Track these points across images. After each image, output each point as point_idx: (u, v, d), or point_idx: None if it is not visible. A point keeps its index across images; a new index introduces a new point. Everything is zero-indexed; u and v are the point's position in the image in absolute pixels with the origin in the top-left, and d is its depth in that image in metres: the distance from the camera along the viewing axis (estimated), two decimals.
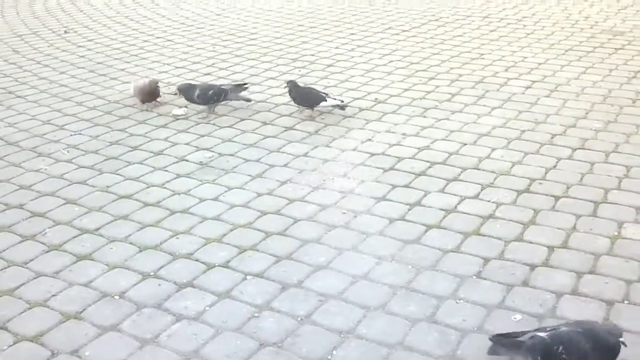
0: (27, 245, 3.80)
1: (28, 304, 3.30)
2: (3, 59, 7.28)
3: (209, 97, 5.40)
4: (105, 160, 4.80)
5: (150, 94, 5.69)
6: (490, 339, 2.83)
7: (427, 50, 7.07)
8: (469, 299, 3.21)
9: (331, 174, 4.48)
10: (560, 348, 2.64)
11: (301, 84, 5.58)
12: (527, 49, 6.97)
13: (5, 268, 3.59)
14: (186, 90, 5.50)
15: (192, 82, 5.77)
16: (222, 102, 5.51)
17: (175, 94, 5.64)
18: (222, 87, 5.56)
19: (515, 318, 3.08)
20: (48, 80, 6.54)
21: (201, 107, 5.53)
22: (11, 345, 3.04)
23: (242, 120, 5.42)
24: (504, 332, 2.85)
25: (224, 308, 3.23)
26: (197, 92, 5.40)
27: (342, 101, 5.46)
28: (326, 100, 5.32)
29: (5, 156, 4.90)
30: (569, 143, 4.77)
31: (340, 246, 3.67)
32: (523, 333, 2.77)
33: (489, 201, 4.05)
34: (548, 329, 2.76)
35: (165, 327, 3.11)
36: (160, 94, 5.79)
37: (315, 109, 5.40)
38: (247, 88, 5.73)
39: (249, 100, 5.60)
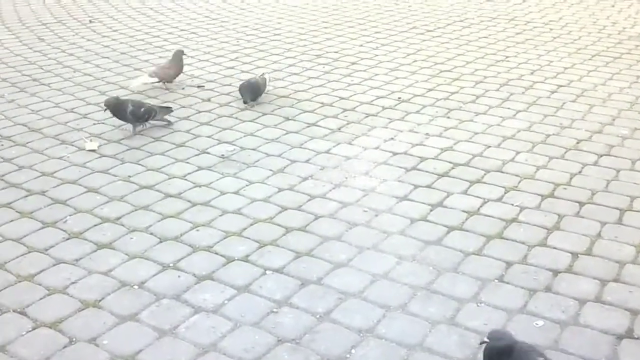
0: (47, 231, 3.80)
1: (47, 290, 3.31)
2: (28, 46, 7.32)
3: (141, 114, 4.98)
4: (127, 150, 4.81)
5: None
6: None
7: (452, 50, 7.02)
8: (491, 303, 3.17)
9: (353, 171, 4.45)
10: None
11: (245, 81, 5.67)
12: (553, 53, 6.90)
13: (26, 254, 3.60)
14: (116, 107, 5.02)
15: (120, 97, 5.22)
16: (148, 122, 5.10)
17: (201, 86, 5.63)
18: (152, 106, 5.14)
19: (537, 324, 3.04)
20: (72, 68, 6.57)
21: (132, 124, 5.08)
22: (30, 331, 3.05)
23: (264, 114, 5.40)
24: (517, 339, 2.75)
25: (243, 302, 3.21)
26: (129, 108, 4.96)
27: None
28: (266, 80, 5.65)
29: (28, 143, 4.92)
30: (595, 149, 4.71)
31: (360, 244, 3.64)
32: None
33: (512, 205, 4.01)
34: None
35: (183, 319, 3.10)
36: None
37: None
38: (172, 111, 5.31)
39: (170, 122, 5.21)
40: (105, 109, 5.07)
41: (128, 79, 6.25)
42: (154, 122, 5.17)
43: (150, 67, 6.35)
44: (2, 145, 4.89)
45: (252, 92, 5.53)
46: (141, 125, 5.08)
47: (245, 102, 5.52)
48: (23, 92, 5.95)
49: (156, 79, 5.88)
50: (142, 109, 5.02)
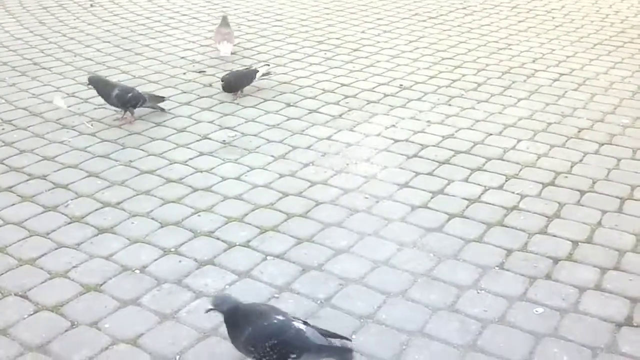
0: (49, 215, 3.81)
1: (49, 274, 3.32)
2: (29, 30, 7.30)
3: (126, 100, 4.87)
4: (129, 135, 4.80)
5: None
6: None
7: (454, 38, 7.00)
8: (491, 290, 3.19)
9: (354, 158, 4.45)
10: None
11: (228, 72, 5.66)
12: (556, 42, 6.88)
13: (27, 237, 3.61)
14: (101, 85, 4.95)
15: (109, 79, 5.26)
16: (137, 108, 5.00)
17: (202, 71, 5.62)
18: (141, 93, 5.02)
19: (537, 311, 3.05)
20: (73, 52, 6.55)
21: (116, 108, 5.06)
22: (31, 315, 3.06)
23: (266, 101, 5.39)
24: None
25: (244, 287, 3.22)
26: (115, 91, 4.85)
27: (268, 65, 5.80)
28: (258, 71, 5.55)
29: (29, 127, 4.91)
30: (596, 138, 4.71)
31: (361, 231, 3.65)
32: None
33: (513, 192, 4.01)
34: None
35: (185, 304, 3.11)
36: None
37: (252, 84, 5.52)
38: (164, 100, 5.20)
39: (162, 109, 5.13)
40: (89, 86, 5.02)
41: (129, 63, 6.24)
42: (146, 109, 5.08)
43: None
44: (3, 129, 4.88)
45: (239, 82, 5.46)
46: (131, 111, 4.96)
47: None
48: (24, 75, 5.94)
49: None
50: (129, 95, 4.89)
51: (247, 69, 5.76)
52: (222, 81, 5.43)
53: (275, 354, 2.59)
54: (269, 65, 5.88)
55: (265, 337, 2.59)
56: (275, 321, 2.62)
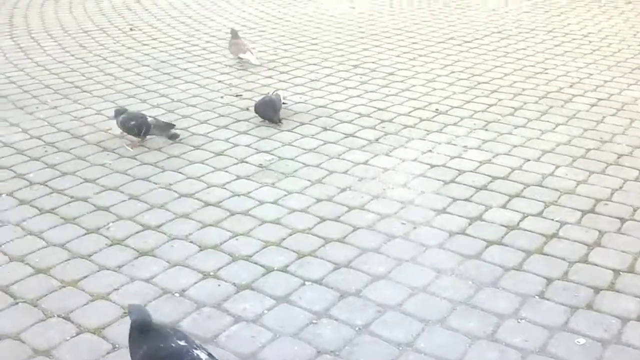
0: (91, 238, 3.87)
1: (91, 296, 3.37)
2: (70, 53, 7.47)
3: (129, 126, 4.97)
4: (168, 158, 4.88)
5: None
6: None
7: (489, 62, 6.99)
8: (531, 319, 3.15)
9: (391, 183, 4.46)
10: None
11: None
12: (593, 66, 6.83)
13: (70, 259, 3.67)
14: (116, 114, 5.11)
15: (125, 108, 5.27)
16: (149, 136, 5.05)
17: (239, 95, 5.69)
18: (148, 119, 5.02)
19: (579, 342, 3.01)
20: (113, 76, 6.68)
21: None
22: (73, 337, 3.10)
23: (302, 124, 5.44)
24: None
25: (282, 312, 3.24)
26: (120, 118, 5.00)
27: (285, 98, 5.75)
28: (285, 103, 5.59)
29: (71, 149, 5.02)
30: (636, 164, 4.65)
31: (399, 257, 3.65)
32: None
33: (552, 220, 3.98)
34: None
35: (224, 328, 3.13)
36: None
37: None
38: (173, 127, 5.17)
39: (174, 136, 5.11)
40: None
41: (168, 87, 6.34)
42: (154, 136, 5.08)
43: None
44: (46, 151, 4.99)
45: (273, 109, 5.44)
46: (143, 138, 5.01)
47: (274, 121, 5.40)
48: (66, 98, 6.07)
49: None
50: (132, 122, 4.95)
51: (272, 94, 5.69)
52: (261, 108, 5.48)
53: None
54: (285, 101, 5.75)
55: (157, 359, 2.57)
56: (172, 345, 2.58)
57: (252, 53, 6.89)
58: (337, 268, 3.56)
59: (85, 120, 5.57)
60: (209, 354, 2.64)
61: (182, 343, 2.60)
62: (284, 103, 5.62)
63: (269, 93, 5.77)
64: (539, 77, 6.48)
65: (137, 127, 4.97)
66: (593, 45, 7.58)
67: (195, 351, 2.58)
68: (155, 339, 2.61)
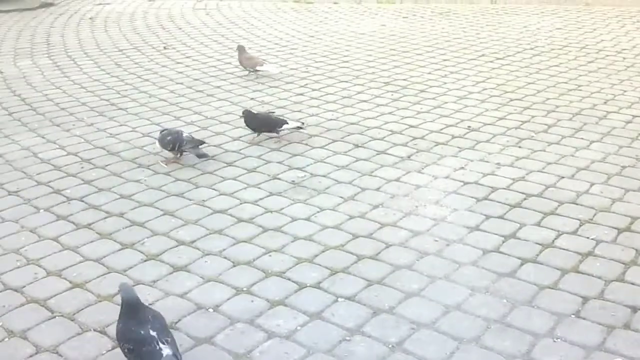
0: (126, 253, 3.93)
1: None
2: (106, 71, 7.61)
3: (165, 142, 5.05)
4: (201, 174, 4.93)
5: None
6: None
7: (522, 79, 6.96)
8: (567, 339, 3.12)
9: (423, 200, 4.45)
10: None
11: (255, 112, 5.61)
12: (627, 82, 6.76)
13: (106, 274, 3.73)
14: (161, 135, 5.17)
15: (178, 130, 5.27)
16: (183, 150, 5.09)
17: (271, 112, 5.76)
18: (183, 135, 5.08)
19: None
20: (148, 94, 6.79)
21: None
22: (109, 350, 3.15)
23: (334, 141, 5.46)
24: None
25: (316, 329, 3.24)
26: (159, 134, 5.16)
27: (303, 123, 5.65)
28: (287, 123, 5.44)
29: (107, 165, 5.10)
30: None
31: (432, 274, 3.64)
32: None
33: (588, 238, 3.93)
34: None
35: (257, 344, 3.15)
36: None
37: (279, 131, 5.44)
38: (201, 143, 5.18)
39: (203, 155, 5.11)
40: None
41: (201, 104, 6.42)
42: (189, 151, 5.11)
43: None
44: (82, 167, 5.08)
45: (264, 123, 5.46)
46: (177, 154, 5.08)
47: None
48: (101, 116, 6.18)
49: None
50: (169, 137, 5.03)
51: (275, 116, 5.60)
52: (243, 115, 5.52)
53: (130, 356, 2.85)
54: (303, 124, 5.67)
55: (126, 339, 2.87)
56: (142, 332, 2.81)
57: (268, 64, 7.33)
58: (370, 285, 3.56)
59: (121, 137, 5.66)
60: (175, 354, 2.79)
61: (152, 333, 2.80)
62: (299, 127, 5.57)
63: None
64: (572, 94, 6.43)
65: (172, 142, 5.03)
66: (627, 62, 7.51)
67: (161, 345, 2.78)
68: (131, 320, 2.88)
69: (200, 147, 5.15)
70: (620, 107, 6.03)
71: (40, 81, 7.31)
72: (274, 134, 5.48)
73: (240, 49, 7.34)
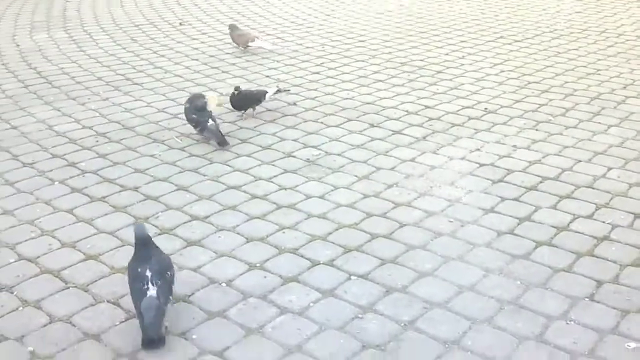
0: None
1: None
2: (122, 46, 7.60)
3: (189, 119, 5.03)
4: (216, 150, 4.92)
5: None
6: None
7: (540, 62, 6.89)
8: (581, 322, 3.10)
9: (438, 181, 4.43)
10: None
11: (237, 91, 5.50)
12: None
13: (120, 247, 3.74)
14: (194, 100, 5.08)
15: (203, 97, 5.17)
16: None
17: (286, 90, 5.75)
18: (202, 120, 4.95)
19: (629, 346, 2.95)
20: (163, 69, 6.77)
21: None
22: (123, 322, 3.16)
23: (350, 120, 5.43)
24: None
25: (328, 306, 3.24)
26: (187, 105, 5.07)
27: (282, 89, 5.68)
28: (267, 92, 5.51)
29: (122, 140, 5.10)
30: None
31: (446, 254, 3.62)
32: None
33: (603, 222, 3.90)
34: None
35: (270, 319, 3.15)
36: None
37: (262, 104, 5.50)
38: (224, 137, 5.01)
39: (224, 143, 4.96)
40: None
41: (216, 81, 6.41)
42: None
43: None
44: (97, 141, 5.09)
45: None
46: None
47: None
48: (117, 90, 6.18)
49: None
50: (194, 116, 4.98)
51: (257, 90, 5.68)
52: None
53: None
54: (283, 89, 5.73)
55: (128, 271, 3.13)
56: (139, 269, 3.03)
57: (260, 39, 7.36)
58: (383, 264, 3.55)
59: (136, 112, 5.66)
60: (159, 296, 2.95)
61: (148, 273, 3.00)
62: (278, 91, 5.65)
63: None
64: (591, 78, 6.36)
65: (195, 122, 4.98)
66: None
67: (149, 285, 2.98)
68: (135, 256, 3.14)
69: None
70: (639, 92, 5.96)
71: (56, 54, 7.32)
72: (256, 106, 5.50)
73: (232, 27, 7.39)
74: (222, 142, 4.97)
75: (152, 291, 2.95)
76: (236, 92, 5.45)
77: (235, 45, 7.43)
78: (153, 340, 2.93)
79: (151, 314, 2.92)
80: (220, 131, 5.01)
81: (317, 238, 3.80)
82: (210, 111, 5.05)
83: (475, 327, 3.08)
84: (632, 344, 2.96)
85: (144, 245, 3.13)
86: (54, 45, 7.67)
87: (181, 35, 8.09)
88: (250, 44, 7.27)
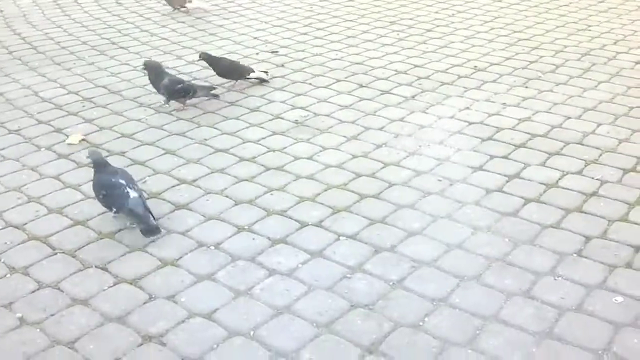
0: None
1: (128, 247, 3.41)
2: (107, 10, 7.48)
3: (174, 90, 4.80)
4: (203, 113, 4.88)
5: None
6: None
7: (530, 18, 6.81)
8: (568, 277, 3.11)
9: (427, 140, 4.40)
10: None
11: (216, 56, 5.41)
12: (638, 22, 6.61)
13: (107, 212, 3.70)
14: (154, 71, 4.87)
15: (164, 68, 5.04)
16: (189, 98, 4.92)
17: (274, 52, 5.66)
18: (192, 85, 4.95)
19: (616, 300, 2.96)
20: (149, 32, 6.68)
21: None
22: (111, 286, 3.15)
23: (338, 81, 5.38)
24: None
25: (317, 266, 3.24)
26: (165, 80, 4.79)
27: (267, 73, 5.44)
28: (254, 72, 5.30)
29: (108, 104, 5.05)
30: None
31: (434, 213, 3.62)
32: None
33: (592, 178, 3.89)
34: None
35: (258, 281, 3.15)
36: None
37: (240, 80, 5.30)
38: (214, 89, 5.06)
39: (216, 96, 5.01)
40: (144, 71, 5.00)
41: (203, 43, 6.32)
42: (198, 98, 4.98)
43: None
44: (83, 106, 5.03)
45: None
46: (183, 101, 4.90)
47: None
48: (103, 55, 6.10)
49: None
50: (179, 86, 4.82)
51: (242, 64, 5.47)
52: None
53: (103, 203, 3.56)
54: (266, 72, 5.47)
55: (100, 186, 3.56)
56: (112, 179, 3.50)
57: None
58: (371, 224, 3.55)
59: (122, 76, 5.59)
60: (141, 196, 3.48)
61: (121, 181, 3.48)
62: (264, 80, 5.38)
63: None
64: (581, 34, 6.30)
65: (184, 90, 4.83)
66: (639, 1, 7.33)
67: (128, 189, 3.46)
68: (102, 173, 3.57)
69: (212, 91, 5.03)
70: (630, 48, 5.92)
71: (41, 19, 7.20)
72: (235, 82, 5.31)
73: None
74: (213, 96, 4.98)
75: (133, 193, 3.44)
76: (200, 58, 5.29)
77: (169, 5, 7.32)
78: (152, 227, 3.39)
79: (140, 209, 3.40)
80: (209, 86, 5.06)
81: (305, 199, 3.78)
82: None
83: (463, 284, 3.09)
84: (619, 298, 2.97)
85: (104, 166, 3.59)
86: (38, 10, 7.55)
87: None
88: (187, 5, 7.18)
